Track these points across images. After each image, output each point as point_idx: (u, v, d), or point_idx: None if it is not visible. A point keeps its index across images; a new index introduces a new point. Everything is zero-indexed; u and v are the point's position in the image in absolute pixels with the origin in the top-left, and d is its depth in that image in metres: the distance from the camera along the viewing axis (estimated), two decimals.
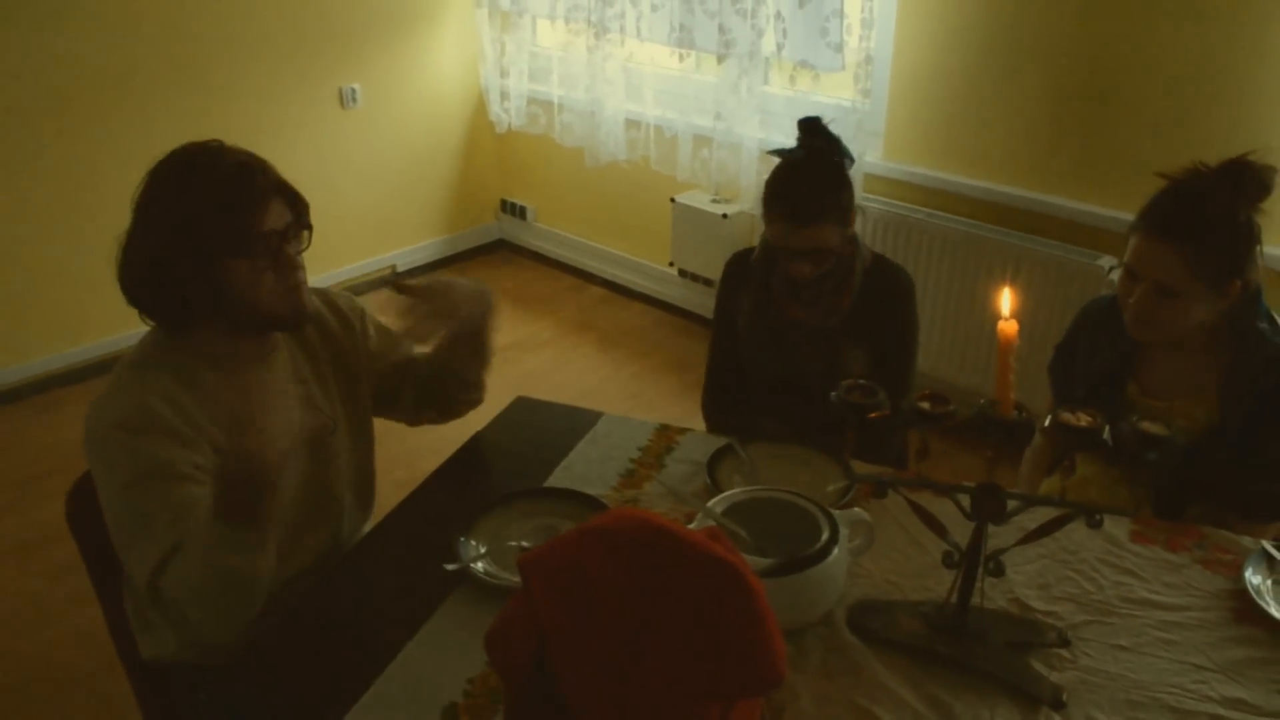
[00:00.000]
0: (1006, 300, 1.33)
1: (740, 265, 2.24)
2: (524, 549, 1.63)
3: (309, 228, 1.67)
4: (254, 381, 1.68)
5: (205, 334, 1.62)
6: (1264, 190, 1.70)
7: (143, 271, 1.57)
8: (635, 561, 0.75)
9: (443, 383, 1.93)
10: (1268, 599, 1.55)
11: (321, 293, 1.86)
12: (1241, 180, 1.70)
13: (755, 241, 2.23)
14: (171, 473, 1.51)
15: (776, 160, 2.05)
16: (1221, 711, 1.37)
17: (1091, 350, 1.90)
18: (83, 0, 3.67)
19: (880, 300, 2.11)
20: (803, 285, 2.05)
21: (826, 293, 2.07)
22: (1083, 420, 1.30)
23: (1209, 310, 1.74)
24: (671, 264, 4.40)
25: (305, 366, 1.78)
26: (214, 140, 1.60)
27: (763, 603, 0.75)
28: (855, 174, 3.53)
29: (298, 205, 1.64)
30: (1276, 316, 1.81)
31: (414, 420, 2.01)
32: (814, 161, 2.00)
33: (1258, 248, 1.73)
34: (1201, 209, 1.70)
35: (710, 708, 0.77)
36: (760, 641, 0.74)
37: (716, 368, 2.34)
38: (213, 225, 1.54)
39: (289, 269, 1.62)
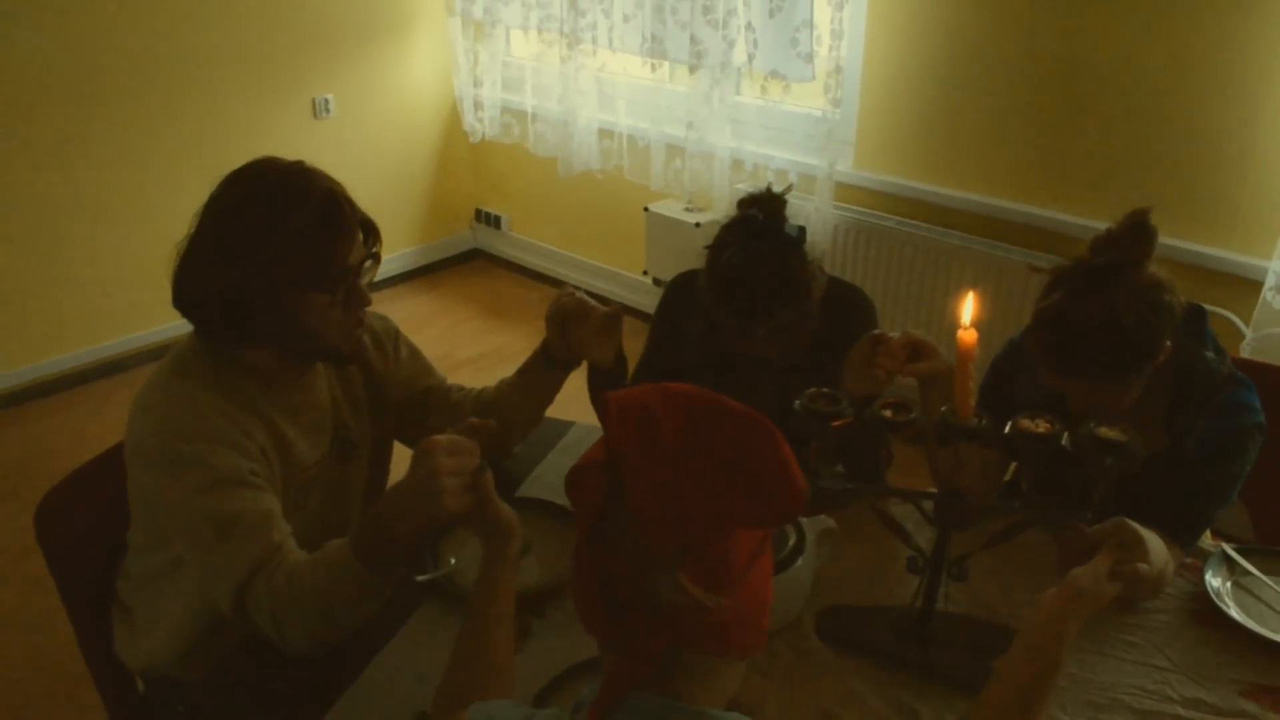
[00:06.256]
0: (968, 309, 1.35)
1: (687, 289, 2.01)
2: None
3: (378, 259, 1.60)
4: (292, 397, 1.63)
5: (253, 353, 1.57)
6: (1152, 244, 1.58)
7: (211, 295, 1.48)
8: (686, 407, 0.94)
9: None
10: (1227, 601, 1.58)
11: None
12: (1130, 254, 1.57)
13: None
14: (244, 480, 1.47)
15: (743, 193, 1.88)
16: (1181, 712, 1.39)
17: (1031, 382, 1.79)
18: (56, 8, 3.66)
19: (841, 327, 1.87)
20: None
21: (780, 331, 1.83)
22: (1042, 426, 1.32)
23: (1148, 377, 1.66)
24: (646, 273, 4.41)
25: (338, 386, 1.75)
26: (296, 162, 1.53)
27: (786, 449, 0.94)
28: (826, 182, 3.58)
29: (371, 236, 1.58)
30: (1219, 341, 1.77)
31: None
32: (760, 260, 1.77)
33: (1168, 298, 1.59)
34: (1109, 335, 1.55)
35: (745, 538, 0.95)
36: (786, 478, 0.92)
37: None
38: (300, 262, 1.47)
39: (358, 304, 1.57)
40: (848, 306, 1.98)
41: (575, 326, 1.82)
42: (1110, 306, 1.54)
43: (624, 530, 0.93)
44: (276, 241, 1.46)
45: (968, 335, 1.33)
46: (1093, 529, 1.47)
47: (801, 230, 1.80)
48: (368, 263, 1.58)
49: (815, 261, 1.84)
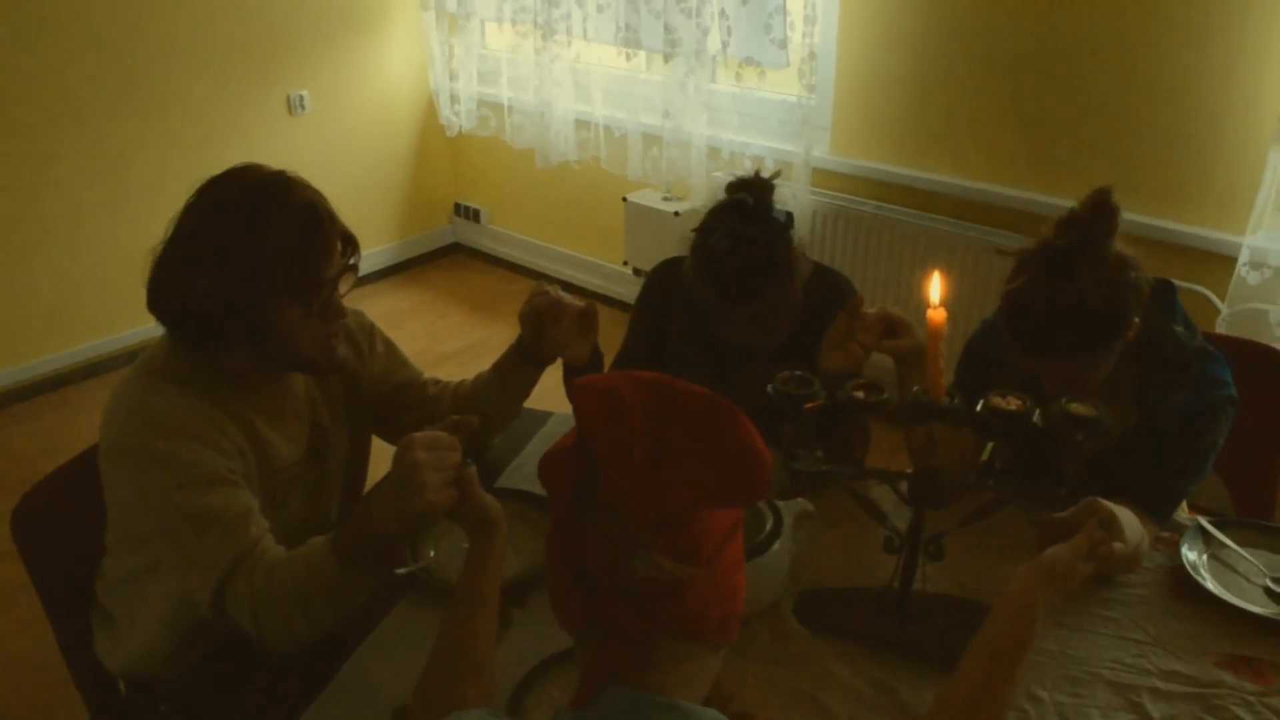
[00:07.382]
0: (935, 288, 1.35)
1: (670, 276, 2.04)
2: None
3: (356, 270, 1.58)
4: (268, 399, 1.62)
5: (227, 358, 1.55)
6: (1115, 222, 1.59)
7: (186, 302, 1.47)
8: (655, 393, 0.96)
9: None
10: (1203, 574, 1.59)
11: None
12: (1094, 233, 1.58)
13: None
14: (221, 478, 1.46)
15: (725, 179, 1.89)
16: (1159, 684, 1.40)
17: (1005, 361, 1.77)
18: (28, 9, 3.63)
19: (823, 313, 1.83)
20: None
21: (765, 314, 1.85)
22: (1013, 404, 1.32)
23: (1119, 353, 1.66)
24: (625, 263, 4.41)
25: (314, 384, 1.74)
26: (278, 171, 1.51)
27: (752, 430, 0.96)
28: (802, 168, 3.58)
29: (349, 248, 1.56)
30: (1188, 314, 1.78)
31: None
32: (747, 243, 1.77)
33: (1134, 275, 1.60)
34: (1076, 314, 1.56)
35: (716, 522, 0.96)
36: (750, 452, 0.95)
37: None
38: (278, 274, 1.46)
39: (334, 315, 1.56)
40: (831, 293, 1.98)
41: (549, 325, 1.82)
42: (1076, 287, 1.55)
43: (597, 512, 0.94)
44: (254, 253, 1.44)
45: (937, 314, 1.33)
46: (1067, 513, 1.48)
47: (789, 215, 1.81)
48: (345, 275, 1.57)
49: (799, 247, 1.84)
